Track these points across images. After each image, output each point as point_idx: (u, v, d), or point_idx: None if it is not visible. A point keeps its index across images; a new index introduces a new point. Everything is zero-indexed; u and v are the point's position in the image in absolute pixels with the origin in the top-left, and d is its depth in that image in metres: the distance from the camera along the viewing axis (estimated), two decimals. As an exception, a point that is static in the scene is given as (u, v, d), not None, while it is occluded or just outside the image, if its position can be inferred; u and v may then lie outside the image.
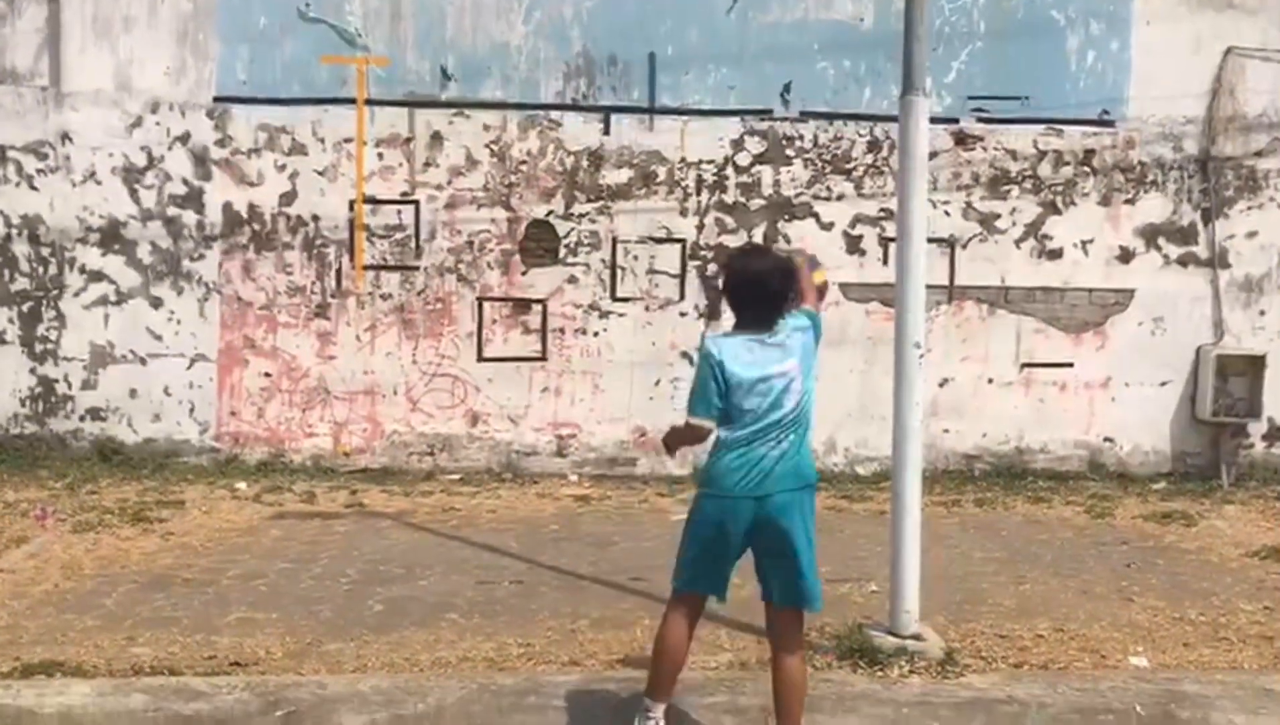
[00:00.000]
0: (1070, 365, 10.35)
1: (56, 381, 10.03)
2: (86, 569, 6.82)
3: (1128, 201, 10.34)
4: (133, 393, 10.03)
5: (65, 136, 9.95)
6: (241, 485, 9.24)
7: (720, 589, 4.44)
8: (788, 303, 4.34)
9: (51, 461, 9.70)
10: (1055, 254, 10.31)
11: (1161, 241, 10.36)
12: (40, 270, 10.00)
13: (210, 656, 5.37)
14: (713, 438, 4.37)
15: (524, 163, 10.11)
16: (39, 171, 9.96)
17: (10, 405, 10.01)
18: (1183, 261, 10.37)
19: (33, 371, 10.01)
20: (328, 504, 8.81)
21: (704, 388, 4.28)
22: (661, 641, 4.41)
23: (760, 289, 4.29)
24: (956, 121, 10.18)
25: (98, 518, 7.96)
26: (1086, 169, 10.31)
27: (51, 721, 4.57)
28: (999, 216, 10.28)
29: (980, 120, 10.23)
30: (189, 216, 10.02)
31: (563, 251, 10.15)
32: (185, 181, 10.01)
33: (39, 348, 10.02)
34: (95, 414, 10.04)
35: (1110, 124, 10.31)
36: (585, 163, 10.14)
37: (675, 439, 4.51)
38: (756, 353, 4.28)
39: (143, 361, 10.03)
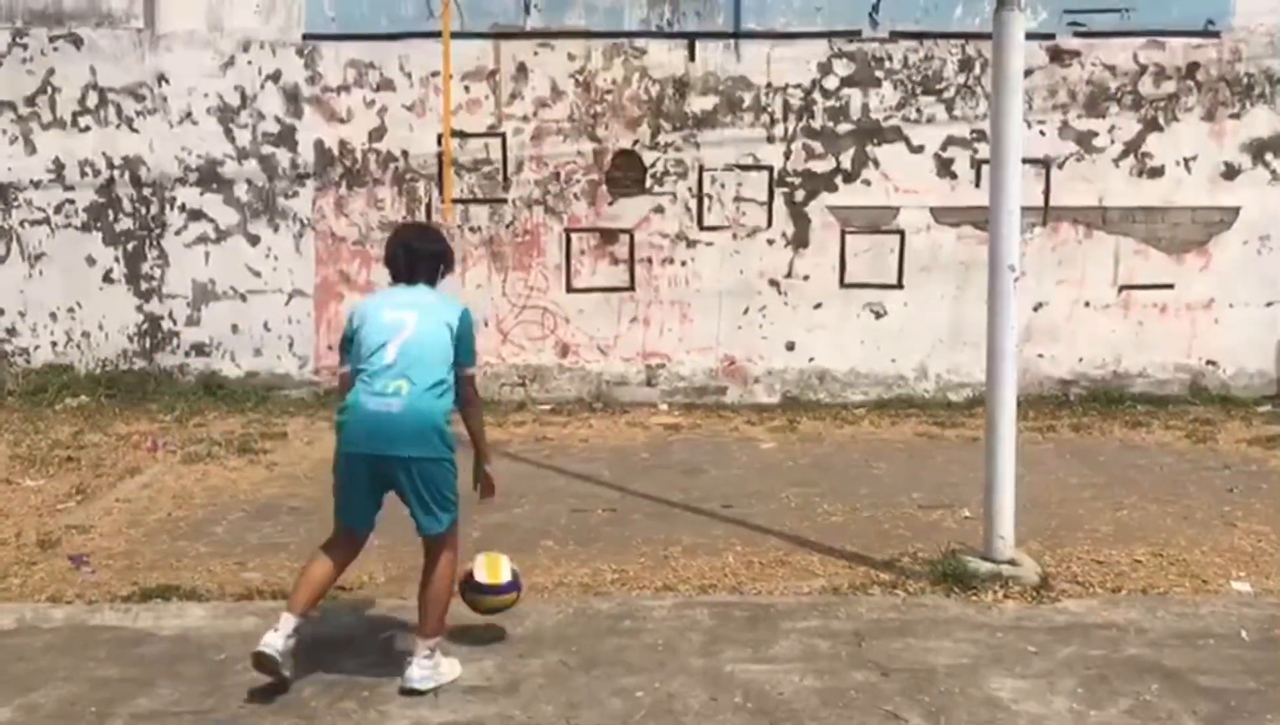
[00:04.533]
0: (1171, 286, 10.07)
1: (162, 318, 10.35)
2: (197, 498, 7.09)
3: (1233, 116, 9.95)
4: (234, 328, 10.31)
5: (161, 78, 10.16)
6: (340, 417, 9.46)
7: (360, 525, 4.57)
8: (438, 273, 4.65)
9: (160, 395, 10.05)
10: (1156, 172, 9.99)
11: (1269, 157, 9.97)
12: (143, 210, 10.28)
13: (317, 581, 5.55)
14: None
15: (609, 92, 10.06)
16: (138, 113, 10.20)
17: (119, 342, 10.37)
18: (1292, 177, 9.99)
19: (139, 308, 10.35)
20: (423, 434, 8.98)
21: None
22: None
23: (411, 256, 4.60)
24: (1052, 37, 9.86)
25: (206, 449, 8.24)
26: (1190, 83, 9.93)
27: (169, 643, 4.78)
28: (1096, 135, 9.98)
29: (1077, 35, 9.90)
30: (282, 155, 10.19)
31: (649, 181, 10.12)
32: (278, 120, 10.17)
33: (144, 286, 10.33)
34: (199, 349, 10.35)
35: (1215, 35, 9.90)
36: (670, 91, 10.06)
37: None
38: (391, 297, 4.55)
39: (243, 298, 10.30)
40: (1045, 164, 9.93)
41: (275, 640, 4.25)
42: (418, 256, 4.59)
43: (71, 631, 4.91)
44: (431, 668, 4.35)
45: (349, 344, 4.49)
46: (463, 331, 4.50)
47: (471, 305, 10.26)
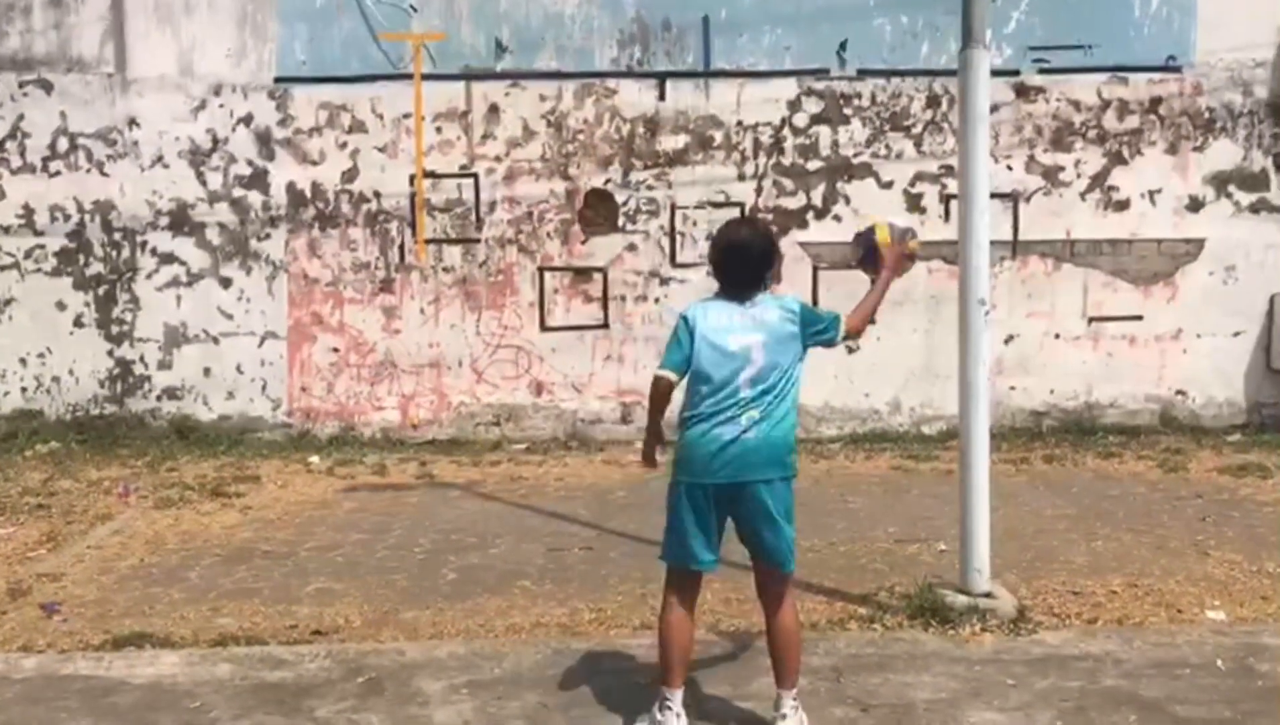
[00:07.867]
0: (1139, 318, 10.19)
1: (133, 362, 10.29)
2: (170, 544, 7.02)
3: (1196, 149, 10.12)
4: (206, 372, 10.26)
5: (132, 122, 10.15)
6: (314, 459, 9.43)
7: (705, 562, 4.20)
8: (767, 274, 4.41)
9: (131, 440, 9.97)
10: (1122, 205, 10.13)
11: (1232, 189, 10.14)
12: (114, 254, 10.24)
13: (292, 626, 5.51)
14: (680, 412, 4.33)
15: (580, 132, 10.13)
16: (108, 157, 10.18)
17: (90, 387, 10.29)
18: (1254, 208, 10.14)
19: (110, 353, 10.28)
20: (398, 476, 8.96)
21: (673, 342, 4.41)
22: (663, 625, 4.24)
23: (742, 257, 4.34)
24: (1017, 73, 10.02)
25: (178, 494, 8.18)
26: (1153, 117, 10.10)
27: (142, 691, 4.71)
28: (1063, 169, 10.12)
29: (1042, 71, 10.06)
30: (254, 197, 10.19)
31: (622, 219, 10.17)
32: (250, 162, 10.17)
33: (115, 330, 10.27)
34: (171, 393, 10.28)
35: (1177, 70, 10.08)
36: (642, 129, 10.14)
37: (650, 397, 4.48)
38: (731, 319, 4.29)
39: (215, 341, 10.25)
40: (1013, 198, 10.05)
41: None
42: (757, 267, 4.35)
43: (43, 681, 4.83)
44: (800, 717, 4.20)
45: (677, 354, 4.34)
46: (808, 321, 4.38)
47: (446, 346, 10.29)
